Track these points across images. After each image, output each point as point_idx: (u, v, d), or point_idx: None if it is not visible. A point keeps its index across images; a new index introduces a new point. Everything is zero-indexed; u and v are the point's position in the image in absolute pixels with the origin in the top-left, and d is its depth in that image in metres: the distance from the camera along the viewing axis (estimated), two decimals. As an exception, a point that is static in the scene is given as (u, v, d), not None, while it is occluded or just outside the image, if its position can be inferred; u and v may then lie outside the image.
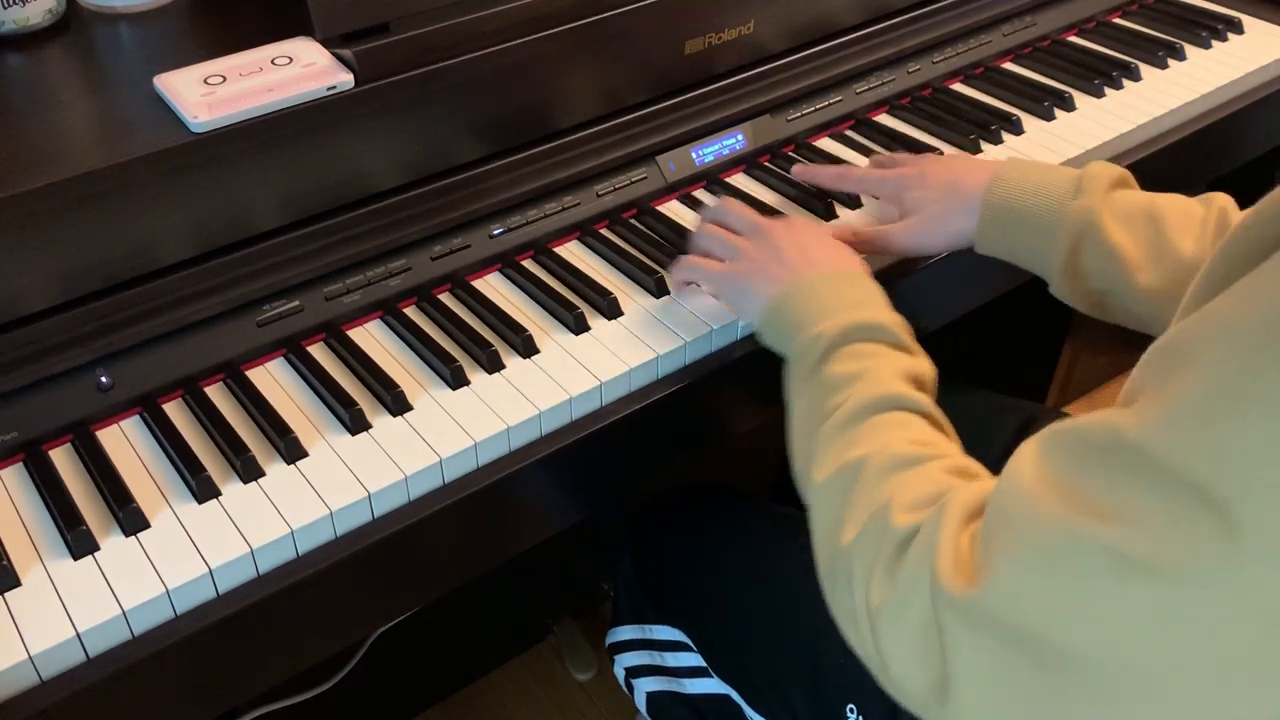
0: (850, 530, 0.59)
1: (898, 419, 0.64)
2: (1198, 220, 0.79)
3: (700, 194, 0.98)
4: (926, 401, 0.66)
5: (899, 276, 0.91)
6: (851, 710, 0.80)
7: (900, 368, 0.67)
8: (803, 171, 0.97)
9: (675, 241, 0.91)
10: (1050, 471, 0.50)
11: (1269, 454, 0.42)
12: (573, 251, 0.92)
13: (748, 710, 0.89)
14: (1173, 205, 0.80)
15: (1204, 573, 0.44)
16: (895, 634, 0.54)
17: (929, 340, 1.05)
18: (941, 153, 1.01)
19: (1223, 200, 0.81)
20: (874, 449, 0.62)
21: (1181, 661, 0.46)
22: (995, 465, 0.95)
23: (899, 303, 0.93)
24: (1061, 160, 1.01)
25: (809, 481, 0.65)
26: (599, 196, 0.93)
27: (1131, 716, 0.49)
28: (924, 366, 0.69)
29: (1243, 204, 1.44)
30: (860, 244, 0.88)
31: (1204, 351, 0.45)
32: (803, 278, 0.74)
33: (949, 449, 0.63)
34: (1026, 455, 0.53)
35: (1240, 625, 0.44)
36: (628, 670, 1.01)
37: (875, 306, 0.72)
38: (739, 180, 1.00)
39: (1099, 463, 0.48)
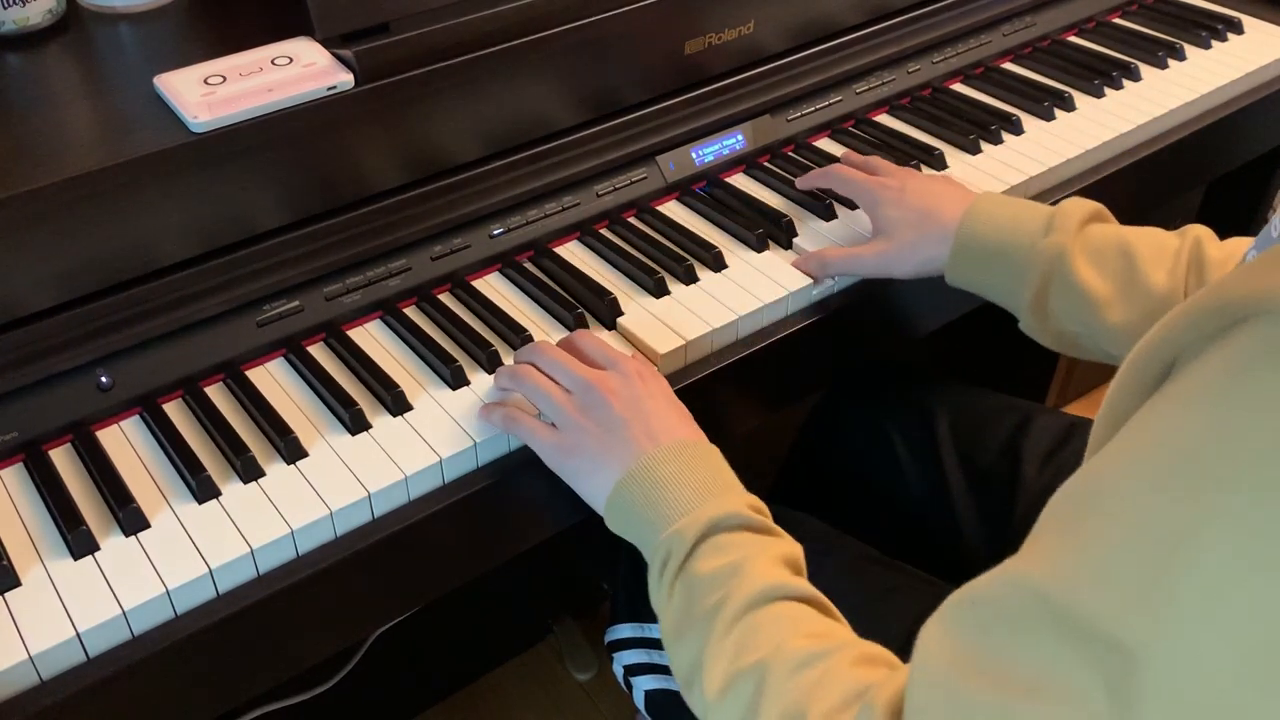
0: None
1: (784, 611, 0.60)
2: (1171, 253, 0.79)
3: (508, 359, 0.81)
4: (805, 586, 0.63)
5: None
6: None
7: (772, 554, 0.64)
8: (801, 181, 0.96)
9: (676, 240, 0.91)
10: (960, 646, 0.47)
11: (1201, 613, 0.39)
12: (573, 251, 0.92)
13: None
14: (1146, 239, 0.79)
15: None
16: None
17: (929, 340, 1.05)
18: (941, 153, 1.01)
19: (1198, 231, 0.80)
20: (768, 652, 0.58)
21: None
22: (993, 465, 0.96)
23: (900, 302, 0.94)
24: (1061, 160, 1.01)
25: (699, 696, 0.61)
26: (599, 196, 0.93)
27: None
28: (791, 548, 0.66)
29: (1240, 206, 1.44)
30: (822, 265, 0.87)
31: (1116, 492, 0.43)
32: (645, 458, 0.68)
33: (845, 635, 0.60)
34: (930, 635, 0.49)
35: None
36: (626, 668, 1.01)
37: (729, 490, 0.68)
38: (739, 180, 1.00)
39: (1015, 626, 0.44)
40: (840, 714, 0.53)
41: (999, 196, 0.85)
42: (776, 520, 0.93)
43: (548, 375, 0.74)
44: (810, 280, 0.87)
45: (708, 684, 0.60)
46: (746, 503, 0.67)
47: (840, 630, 0.61)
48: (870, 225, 0.90)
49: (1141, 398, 0.44)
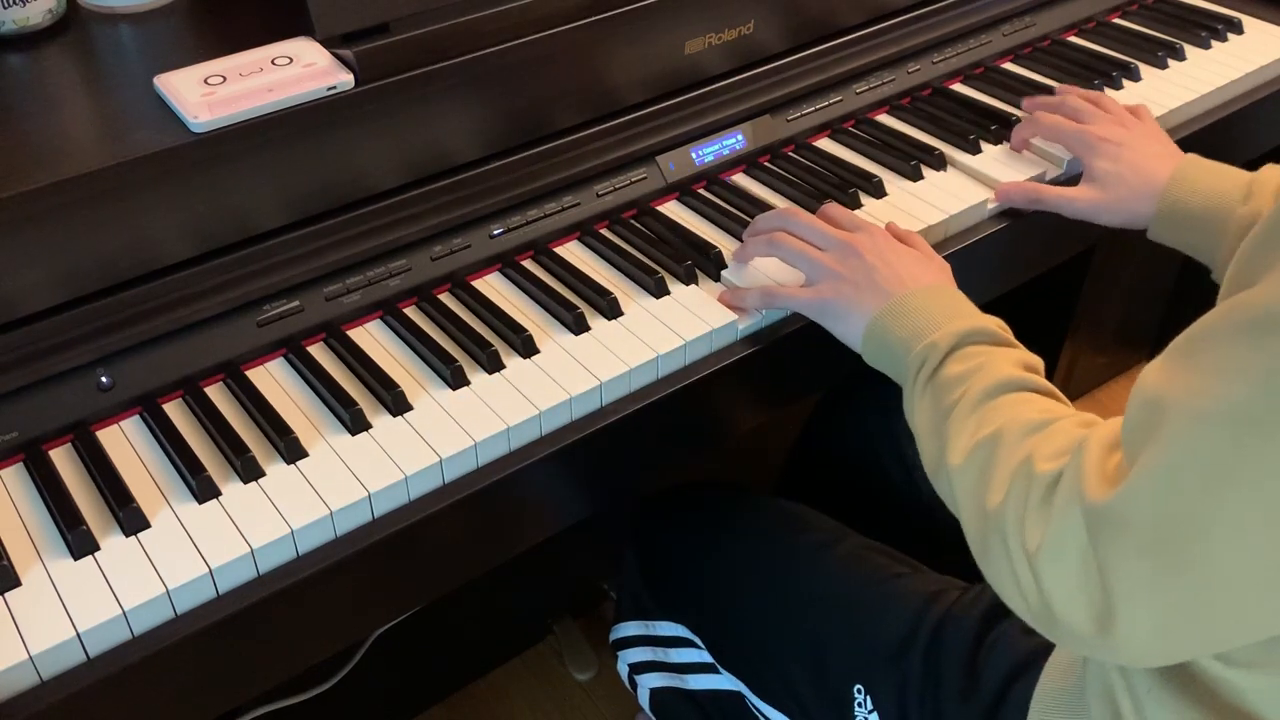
0: (996, 493, 0.61)
1: (1020, 397, 0.67)
2: None
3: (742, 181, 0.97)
4: (1041, 380, 0.70)
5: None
6: (859, 690, 0.81)
7: (1012, 358, 0.71)
8: (1029, 105, 1.03)
9: (675, 242, 0.91)
10: (1177, 368, 0.52)
11: None
12: (573, 251, 0.92)
13: (755, 701, 0.89)
14: None
15: None
16: (1056, 570, 0.56)
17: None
18: (941, 153, 1.01)
19: None
20: (1005, 421, 0.65)
21: None
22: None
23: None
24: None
25: (945, 468, 0.67)
26: (599, 196, 0.93)
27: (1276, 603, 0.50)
28: (1032, 356, 0.72)
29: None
30: (1035, 199, 0.94)
31: None
32: (899, 296, 0.77)
33: (1073, 411, 0.66)
34: (1150, 368, 0.55)
35: None
36: (631, 667, 1.01)
37: (974, 314, 0.75)
38: (739, 180, 1.00)
39: (1225, 336, 0.50)
40: (1063, 455, 0.59)
41: (1204, 161, 0.90)
42: (780, 513, 0.94)
43: (802, 239, 0.84)
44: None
45: (951, 454, 0.67)
46: (993, 322, 0.74)
47: (1066, 408, 0.67)
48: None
49: None
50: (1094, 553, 0.54)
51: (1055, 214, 0.94)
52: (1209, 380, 0.49)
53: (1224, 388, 0.48)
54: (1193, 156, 0.91)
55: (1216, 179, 0.88)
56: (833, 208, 0.88)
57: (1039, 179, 0.99)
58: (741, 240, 0.90)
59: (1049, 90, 1.11)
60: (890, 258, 0.80)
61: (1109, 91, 1.12)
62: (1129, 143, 0.93)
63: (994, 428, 0.65)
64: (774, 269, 0.87)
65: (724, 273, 0.88)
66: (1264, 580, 0.49)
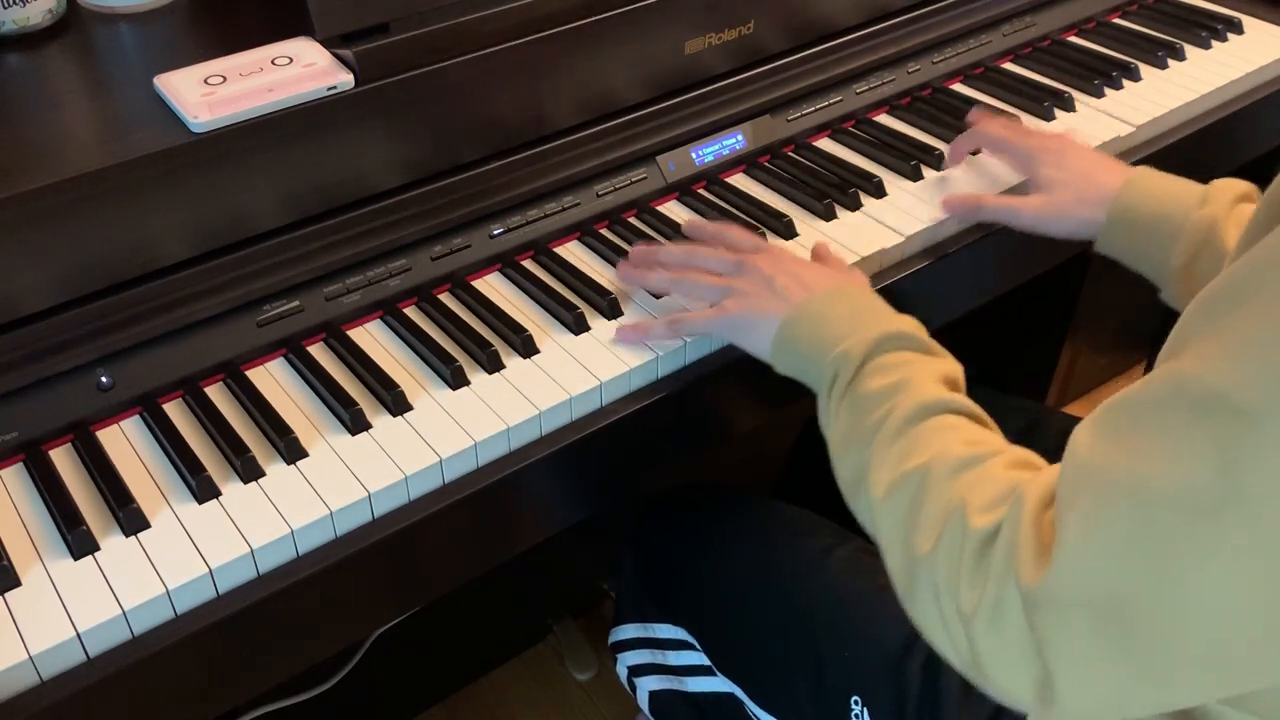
0: (926, 539, 0.59)
1: (946, 422, 0.65)
2: None
3: (632, 224, 0.93)
4: (964, 400, 0.67)
5: (899, 276, 0.92)
6: (856, 702, 0.80)
7: (933, 372, 0.68)
8: (974, 117, 1.01)
9: (675, 240, 0.91)
10: (1112, 439, 0.51)
11: None
12: (573, 251, 0.92)
13: (751, 707, 0.89)
14: None
15: (1259, 501, 0.44)
16: (994, 639, 0.55)
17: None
18: (941, 153, 1.01)
19: None
20: (932, 455, 0.62)
21: (1265, 606, 0.46)
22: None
23: (900, 303, 0.93)
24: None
25: (867, 498, 0.65)
26: (599, 196, 0.93)
27: (1222, 673, 0.49)
28: (953, 366, 0.70)
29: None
30: (976, 209, 0.92)
31: (1259, 287, 0.46)
32: (805, 301, 0.75)
33: (1002, 444, 0.64)
34: (1082, 430, 0.54)
35: None
36: (630, 669, 1.01)
37: (888, 316, 0.73)
38: (739, 180, 1.00)
39: (1157, 409, 0.48)
40: (997, 506, 0.57)
41: (1156, 172, 0.88)
42: (779, 516, 0.94)
43: (698, 269, 0.82)
44: None
45: (874, 486, 0.64)
46: (908, 324, 0.72)
47: (995, 438, 0.65)
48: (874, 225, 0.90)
49: None
50: (1031, 630, 0.53)
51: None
52: (1156, 461, 0.48)
53: (1173, 470, 0.47)
54: (1145, 167, 0.88)
55: (1171, 185, 0.85)
56: (732, 230, 0.85)
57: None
58: (629, 257, 0.87)
59: (1049, 90, 1.11)
60: (790, 267, 0.78)
61: (1109, 91, 1.12)
62: (1072, 152, 0.91)
63: (920, 461, 0.62)
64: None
65: (619, 320, 0.84)
66: (1214, 654, 0.48)
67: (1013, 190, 0.97)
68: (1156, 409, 0.49)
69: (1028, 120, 1.07)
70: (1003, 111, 1.08)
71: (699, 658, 0.93)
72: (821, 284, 0.77)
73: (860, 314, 0.73)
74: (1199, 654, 0.49)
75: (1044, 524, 0.54)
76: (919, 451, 0.63)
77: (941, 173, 1.00)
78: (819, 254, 0.85)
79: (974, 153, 1.01)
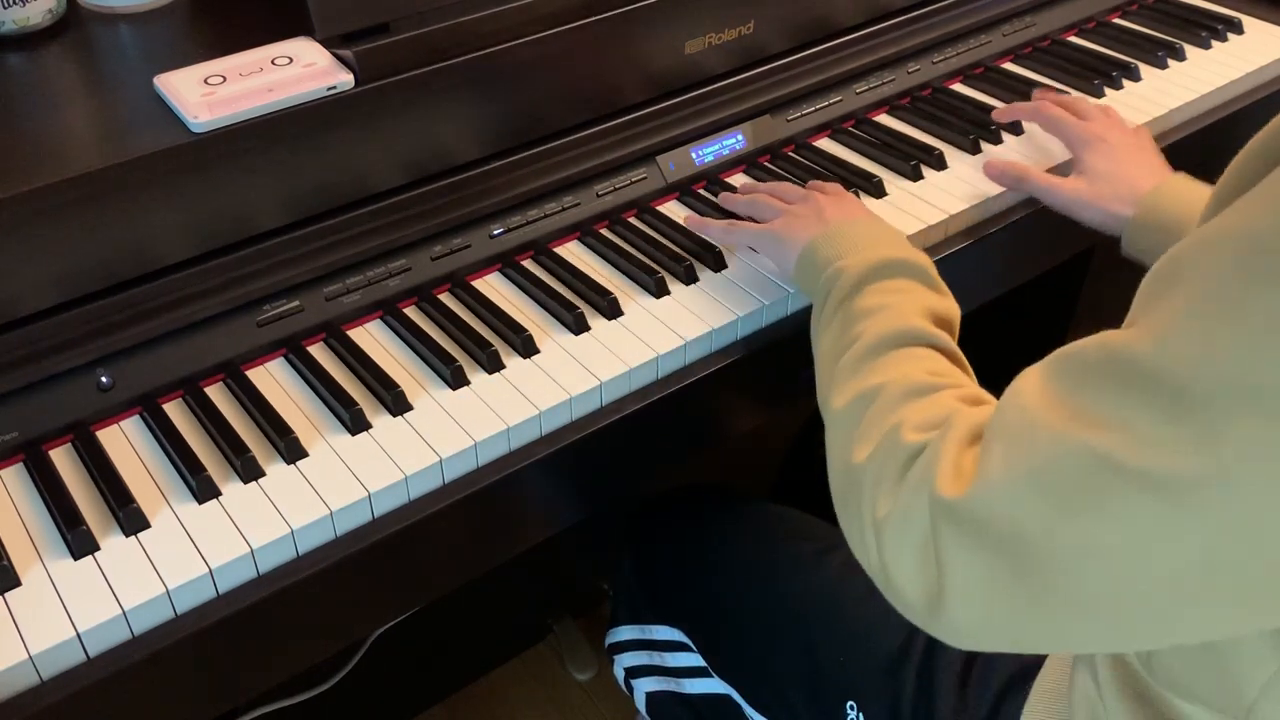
0: (863, 449, 0.61)
1: (917, 353, 0.66)
2: None
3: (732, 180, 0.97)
4: (946, 338, 0.68)
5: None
6: (851, 707, 0.80)
7: (925, 305, 0.69)
8: (1001, 113, 1.04)
9: (676, 240, 0.91)
10: (1050, 390, 0.52)
11: (1249, 360, 0.43)
12: (573, 251, 0.92)
13: (747, 709, 0.89)
14: None
15: (1184, 481, 0.45)
16: (897, 543, 0.56)
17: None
18: (941, 153, 1.01)
19: None
20: (891, 377, 0.64)
21: (1158, 571, 0.47)
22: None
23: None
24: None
25: (828, 408, 0.67)
26: (599, 196, 0.93)
27: (1116, 627, 0.50)
28: (949, 305, 0.72)
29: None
30: (1020, 179, 0.95)
31: (1196, 268, 0.47)
32: (839, 224, 0.78)
33: (964, 380, 0.65)
34: (1029, 376, 0.54)
35: (1216, 538, 0.45)
36: (627, 670, 1.01)
37: (902, 247, 0.75)
38: (739, 180, 1.00)
39: (1095, 376, 0.50)
40: (931, 429, 0.59)
41: (1189, 179, 0.89)
42: (776, 519, 0.94)
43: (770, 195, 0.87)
44: None
45: (835, 396, 0.66)
46: (920, 258, 0.73)
47: (960, 375, 0.66)
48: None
49: (1237, 195, 0.48)
50: (933, 540, 0.54)
51: (1058, 215, 0.94)
52: (1083, 414, 0.49)
53: (1097, 430, 0.48)
54: (1182, 175, 0.90)
55: (1200, 191, 0.86)
56: (817, 184, 0.90)
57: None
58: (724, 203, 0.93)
59: (1049, 89, 1.11)
60: (847, 205, 0.82)
61: (1109, 91, 1.12)
62: (1125, 147, 0.93)
63: (877, 380, 0.64)
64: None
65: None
66: (1101, 605, 0.50)
67: (1056, 170, 0.98)
68: (1095, 372, 0.50)
69: (1028, 120, 1.07)
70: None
71: (696, 659, 0.93)
72: (866, 221, 0.79)
73: (878, 240, 0.75)
74: (1084, 602, 0.50)
75: (968, 454, 0.55)
76: (881, 372, 0.65)
77: (944, 171, 1.00)
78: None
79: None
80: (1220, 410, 0.44)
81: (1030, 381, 0.54)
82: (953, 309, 0.72)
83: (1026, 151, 1.03)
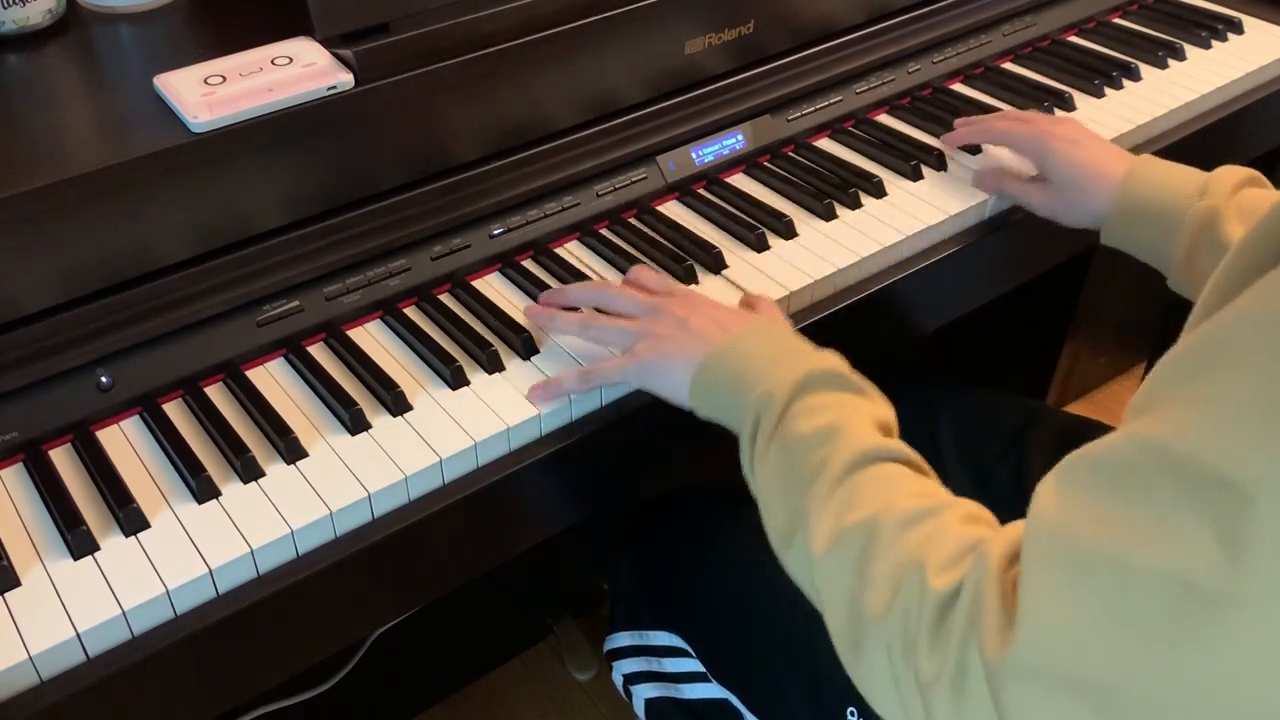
0: (878, 599, 0.56)
1: (887, 472, 0.62)
2: None
3: (529, 265, 0.89)
4: (902, 448, 0.64)
5: (900, 275, 0.92)
6: (852, 713, 0.80)
7: (866, 415, 0.65)
8: (960, 124, 1.02)
9: (676, 241, 0.91)
10: (1077, 500, 0.48)
11: None
12: (573, 251, 0.92)
13: (747, 715, 0.89)
14: None
15: (1260, 586, 0.41)
16: (953, 710, 0.52)
17: (930, 340, 1.05)
18: (941, 153, 1.01)
19: None
20: (878, 508, 0.59)
21: (1244, 695, 0.43)
22: (995, 464, 0.95)
23: (901, 302, 0.94)
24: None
25: (806, 551, 0.62)
26: (599, 196, 0.93)
27: None
28: (883, 408, 0.67)
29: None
30: (998, 187, 0.94)
31: (1244, 351, 0.43)
32: (723, 341, 0.71)
33: (947, 495, 0.62)
34: (1047, 490, 0.51)
35: None
36: (626, 677, 1.01)
37: (809, 354, 0.69)
38: (739, 180, 1.00)
39: (1134, 480, 0.45)
40: (956, 565, 0.54)
41: (1158, 161, 0.88)
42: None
43: (611, 313, 0.79)
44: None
45: (814, 539, 0.61)
46: (834, 362, 0.69)
47: (940, 489, 0.62)
48: (867, 235, 0.90)
49: (1259, 272, 0.45)
50: (995, 702, 0.49)
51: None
52: (1143, 536, 0.44)
53: (1163, 549, 0.43)
54: (1146, 156, 0.89)
55: (1171, 175, 0.85)
56: (642, 272, 0.82)
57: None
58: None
59: (1049, 90, 1.11)
60: (704, 309, 0.75)
61: (1109, 91, 1.12)
62: (1082, 141, 0.91)
63: (865, 514, 0.59)
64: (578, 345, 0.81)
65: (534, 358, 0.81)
66: None
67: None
68: (1137, 476, 0.45)
69: (1012, 110, 1.07)
70: (993, 110, 1.08)
71: (694, 665, 0.93)
72: (739, 324, 0.73)
73: (782, 352, 0.69)
74: None
75: (1008, 585, 0.51)
76: (862, 503, 0.60)
77: (944, 171, 1.00)
78: (747, 304, 0.82)
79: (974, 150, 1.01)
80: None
81: (1049, 496, 0.50)
82: (887, 410, 0.67)
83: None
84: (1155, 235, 0.85)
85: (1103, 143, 0.92)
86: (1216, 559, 0.42)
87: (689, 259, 0.89)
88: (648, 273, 0.83)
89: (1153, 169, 0.87)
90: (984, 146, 1.02)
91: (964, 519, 0.58)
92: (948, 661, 0.52)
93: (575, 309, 0.82)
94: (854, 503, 0.60)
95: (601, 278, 0.88)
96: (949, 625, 0.53)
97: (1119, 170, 0.87)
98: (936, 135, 1.05)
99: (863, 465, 0.62)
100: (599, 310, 0.81)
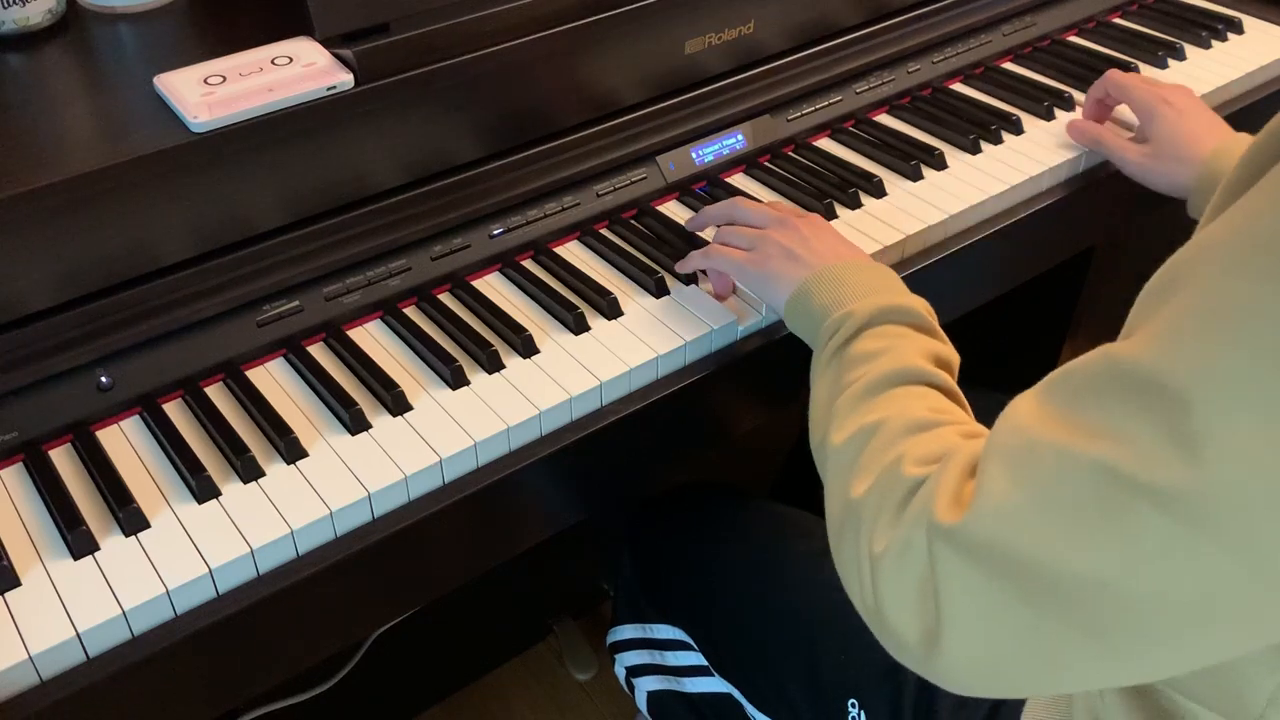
0: (862, 484, 0.60)
1: (917, 391, 0.65)
2: None
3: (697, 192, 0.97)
4: (946, 378, 0.68)
5: (900, 275, 0.91)
6: (853, 705, 0.80)
7: (924, 347, 0.69)
8: (1094, 90, 1.04)
9: (675, 242, 0.91)
10: (1048, 406, 0.51)
11: (1252, 374, 0.42)
12: (573, 251, 0.92)
13: (748, 708, 0.89)
14: None
15: (1190, 496, 0.44)
16: (894, 578, 0.54)
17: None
18: (941, 153, 1.01)
19: None
20: (891, 413, 0.63)
21: (1166, 590, 0.45)
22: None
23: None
24: (1061, 159, 1.01)
25: (826, 445, 0.66)
26: (599, 196, 0.93)
27: (1121, 654, 0.48)
28: (947, 349, 0.71)
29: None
30: (1097, 140, 0.98)
31: (1195, 273, 0.46)
32: (830, 264, 0.76)
33: (965, 418, 0.64)
34: (1024, 397, 0.54)
35: (1225, 556, 0.44)
36: (628, 669, 1.01)
37: (901, 292, 0.74)
38: (739, 180, 1.00)
39: (1093, 389, 0.48)
40: (931, 462, 0.58)
41: (1245, 138, 0.90)
42: (776, 518, 0.94)
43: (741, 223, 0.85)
44: None
45: (834, 433, 0.65)
46: (918, 304, 0.73)
47: (960, 411, 0.65)
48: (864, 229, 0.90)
49: (1238, 196, 0.47)
50: (932, 571, 0.52)
51: (1057, 215, 0.94)
52: (1088, 434, 0.47)
53: (1103, 444, 0.46)
54: (1241, 135, 0.91)
55: None
56: (775, 202, 0.89)
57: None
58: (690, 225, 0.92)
59: (1049, 90, 1.11)
60: (826, 235, 0.81)
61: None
62: (1189, 111, 0.94)
63: (878, 416, 0.63)
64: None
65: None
66: (1111, 636, 0.47)
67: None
68: (1093, 383, 0.49)
69: (1028, 120, 1.07)
70: (1003, 112, 1.08)
71: (697, 658, 0.93)
72: (851, 256, 0.78)
73: (876, 284, 0.74)
74: (1094, 628, 0.48)
75: (966, 486, 0.54)
76: (881, 409, 0.64)
77: (944, 171, 1.00)
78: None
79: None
80: (1221, 417, 0.43)
81: (1026, 402, 0.53)
82: (952, 353, 0.71)
83: (1027, 149, 1.03)
84: None
85: (1209, 116, 0.94)
86: (1172, 459, 0.44)
87: (689, 259, 0.89)
88: (777, 202, 0.89)
89: (1239, 144, 0.88)
90: (1002, 138, 1.04)
91: (965, 433, 0.61)
92: (896, 534, 0.55)
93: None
94: (875, 407, 0.64)
95: (602, 276, 0.88)
96: (909, 506, 0.55)
97: (1209, 146, 0.90)
98: (937, 135, 1.05)
99: (897, 382, 0.66)
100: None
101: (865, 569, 0.57)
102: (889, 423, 0.62)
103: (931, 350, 0.69)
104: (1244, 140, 0.89)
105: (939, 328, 0.73)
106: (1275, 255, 0.43)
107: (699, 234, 0.91)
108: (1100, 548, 0.46)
